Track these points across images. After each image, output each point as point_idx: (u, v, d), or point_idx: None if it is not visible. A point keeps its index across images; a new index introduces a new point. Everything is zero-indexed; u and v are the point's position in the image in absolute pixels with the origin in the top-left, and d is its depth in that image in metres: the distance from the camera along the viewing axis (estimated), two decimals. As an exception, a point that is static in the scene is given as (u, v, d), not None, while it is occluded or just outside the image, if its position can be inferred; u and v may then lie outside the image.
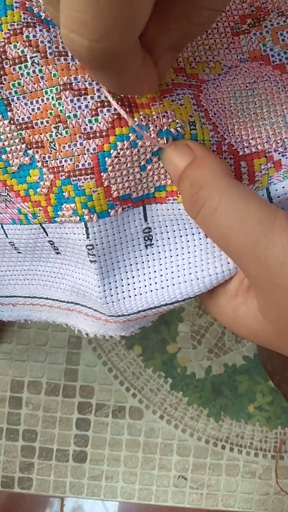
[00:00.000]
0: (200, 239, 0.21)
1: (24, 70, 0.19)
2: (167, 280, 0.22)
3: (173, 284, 0.21)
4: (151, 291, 0.22)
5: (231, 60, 0.21)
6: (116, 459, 0.41)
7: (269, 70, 0.21)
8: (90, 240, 0.20)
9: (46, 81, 0.19)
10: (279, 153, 0.21)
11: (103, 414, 0.41)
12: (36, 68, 0.19)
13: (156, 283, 0.22)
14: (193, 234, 0.21)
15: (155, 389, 0.41)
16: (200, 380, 0.41)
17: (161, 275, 0.22)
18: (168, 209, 0.20)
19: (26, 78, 0.19)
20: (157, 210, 0.21)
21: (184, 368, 0.41)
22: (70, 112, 0.19)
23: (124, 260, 0.21)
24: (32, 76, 0.19)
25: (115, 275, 0.22)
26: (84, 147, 0.19)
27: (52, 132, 0.19)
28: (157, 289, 0.22)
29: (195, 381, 0.41)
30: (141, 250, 0.22)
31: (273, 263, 0.16)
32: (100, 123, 0.19)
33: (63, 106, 0.19)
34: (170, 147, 0.19)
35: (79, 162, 0.19)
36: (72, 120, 0.19)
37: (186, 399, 0.41)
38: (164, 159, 0.20)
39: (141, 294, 0.22)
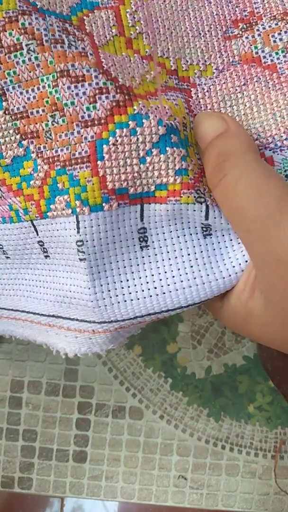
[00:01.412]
0: (198, 239, 0.21)
1: (19, 58, 0.19)
2: (168, 285, 0.21)
3: (176, 290, 0.20)
4: (151, 296, 0.21)
5: (223, 63, 0.21)
6: (116, 459, 0.41)
7: (260, 71, 0.21)
8: (80, 235, 0.19)
9: (42, 68, 0.19)
10: (270, 150, 0.21)
11: (103, 414, 0.41)
12: (32, 55, 0.19)
13: (155, 287, 0.21)
14: (191, 234, 0.21)
15: (155, 389, 0.41)
16: (200, 380, 0.41)
17: (161, 280, 0.21)
18: (167, 210, 0.20)
19: (22, 66, 0.19)
20: (155, 210, 0.20)
21: (184, 368, 0.41)
22: (67, 100, 0.18)
23: (117, 262, 0.20)
24: (27, 64, 0.19)
25: (107, 277, 0.20)
26: (82, 135, 0.19)
27: (48, 121, 0.19)
28: (157, 294, 0.21)
29: (195, 381, 0.41)
30: (136, 252, 0.21)
31: (282, 239, 0.16)
32: (98, 110, 0.18)
33: (60, 94, 0.18)
34: (204, 114, 0.20)
35: (76, 151, 0.19)
36: (69, 107, 0.18)
37: (186, 399, 0.41)
38: (197, 125, 0.20)
39: (138, 299, 0.21)
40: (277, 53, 0.21)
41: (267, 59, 0.21)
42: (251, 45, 0.21)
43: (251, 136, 0.21)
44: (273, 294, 0.18)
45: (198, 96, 0.21)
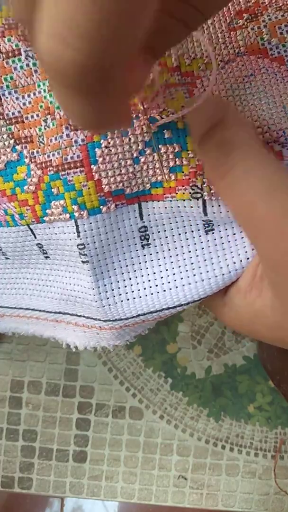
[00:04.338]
0: (200, 236, 0.20)
1: (17, 64, 0.19)
2: (168, 282, 0.21)
3: (176, 287, 0.21)
4: (152, 294, 0.21)
5: (228, 54, 0.21)
6: (116, 459, 0.41)
7: (267, 63, 0.21)
8: (81, 239, 0.19)
9: (39, 74, 0.19)
10: (279, 144, 0.20)
11: (103, 414, 0.41)
12: (30, 61, 0.19)
13: (156, 285, 0.21)
14: (192, 231, 0.20)
15: (155, 389, 0.41)
16: (200, 380, 0.41)
17: (162, 277, 0.21)
18: (166, 207, 0.20)
19: (19, 72, 0.19)
20: (154, 208, 0.20)
21: (184, 368, 0.41)
22: None
23: (120, 261, 0.21)
24: (25, 70, 0.19)
25: (110, 277, 0.21)
26: (71, 138, 0.18)
27: (41, 125, 0.19)
28: (158, 292, 0.21)
29: (195, 381, 0.41)
30: (137, 250, 0.21)
31: None
32: None
33: (53, 97, 0.18)
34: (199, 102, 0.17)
35: (67, 155, 0.18)
36: (60, 110, 0.18)
37: (186, 399, 0.41)
38: (189, 115, 0.18)
39: (140, 297, 0.21)
40: (284, 45, 0.21)
41: (274, 51, 0.21)
42: (257, 36, 0.21)
43: (260, 127, 0.20)
44: (285, 296, 0.17)
45: (203, 85, 0.20)
